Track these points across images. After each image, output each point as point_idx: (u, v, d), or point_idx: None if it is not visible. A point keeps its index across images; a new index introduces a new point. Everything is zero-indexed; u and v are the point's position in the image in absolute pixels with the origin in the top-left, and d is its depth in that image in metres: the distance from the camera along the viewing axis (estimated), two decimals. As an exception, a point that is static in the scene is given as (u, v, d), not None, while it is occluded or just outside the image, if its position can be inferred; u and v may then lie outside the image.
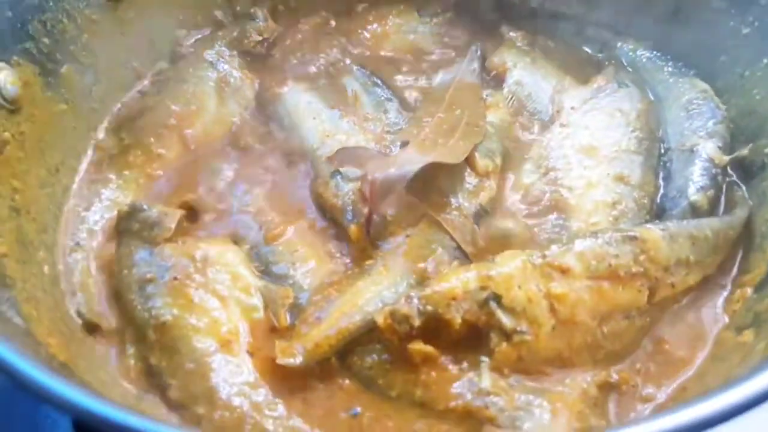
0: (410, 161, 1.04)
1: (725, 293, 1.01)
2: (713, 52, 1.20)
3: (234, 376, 0.92)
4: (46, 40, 1.11)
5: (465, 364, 0.93)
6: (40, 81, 1.10)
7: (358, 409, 0.92)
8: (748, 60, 1.14)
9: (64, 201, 1.13)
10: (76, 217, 1.11)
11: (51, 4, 1.12)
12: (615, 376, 0.93)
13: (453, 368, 0.92)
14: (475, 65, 1.30)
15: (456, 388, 0.91)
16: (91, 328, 0.99)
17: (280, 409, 0.91)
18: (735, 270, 1.03)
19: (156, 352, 0.94)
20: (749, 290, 0.99)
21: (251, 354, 0.95)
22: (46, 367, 0.70)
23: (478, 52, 1.32)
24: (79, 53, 1.18)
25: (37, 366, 0.69)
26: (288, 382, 0.93)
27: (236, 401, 0.90)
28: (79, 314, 1.01)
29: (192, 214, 1.11)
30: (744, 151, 1.11)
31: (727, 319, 0.98)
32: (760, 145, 1.10)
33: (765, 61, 1.11)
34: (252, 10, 1.34)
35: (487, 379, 0.90)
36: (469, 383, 0.91)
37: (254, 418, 0.89)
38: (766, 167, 1.08)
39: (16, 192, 1.03)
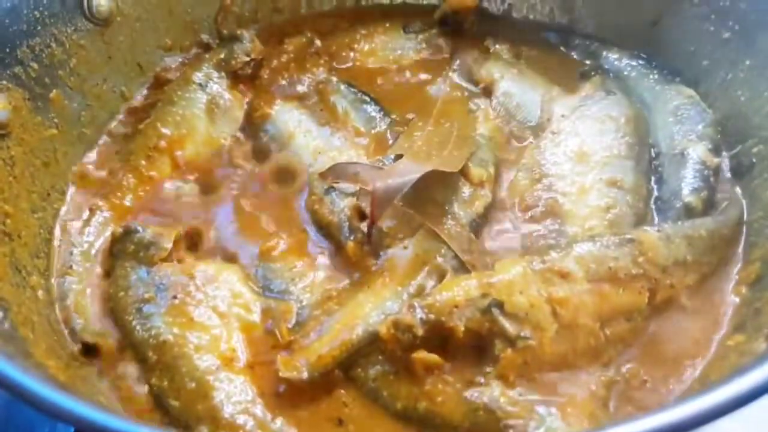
0: (408, 171, 1.04)
1: (727, 291, 1.01)
2: (696, 57, 1.21)
3: (237, 394, 0.91)
4: (34, 65, 1.10)
5: (470, 375, 0.92)
6: (29, 105, 1.09)
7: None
8: (731, 63, 1.16)
9: (56, 226, 1.11)
10: (68, 242, 1.09)
11: (39, 29, 1.12)
12: (623, 372, 0.93)
13: (458, 379, 0.91)
14: (458, 79, 1.31)
15: (463, 398, 0.90)
16: (89, 351, 0.97)
17: (284, 425, 0.90)
18: (738, 268, 1.03)
19: (156, 373, 0.93)
20: (744, 288, 1.00)
21: (253, 370, 0.93)
22: (51, 384, 0.68)
23: (458, 62, 1.33)
24: (68, 78, 1.17)
25: (43, 381, 0.67)
26: (290, 396, 0.91)
27: (240, 419, 0.89)
28: (76, 337, 0.98)
29: (192, 243, 1.10)
30: (733, 153, 1.12)
31: (728, 318, 0.99)
32: (748, 145, 1.11)
33: (747, 62, 1.13)
34: (238, 32, 1.35)
35: (496, 388, 0.90)
36: (477, 393, 0.90)
37: (259, 436, 0.88)
38: (755, 167, 1.09)
39: (8, 216, 1.01)
